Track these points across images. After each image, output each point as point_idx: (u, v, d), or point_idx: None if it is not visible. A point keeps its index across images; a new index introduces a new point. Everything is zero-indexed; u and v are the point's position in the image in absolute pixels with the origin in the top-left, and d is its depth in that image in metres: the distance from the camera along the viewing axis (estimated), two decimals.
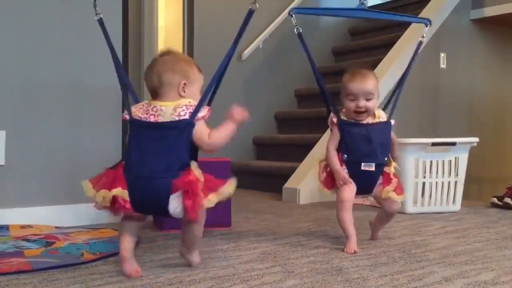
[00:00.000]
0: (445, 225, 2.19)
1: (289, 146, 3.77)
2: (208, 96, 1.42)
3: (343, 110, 1.76)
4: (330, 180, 1.74)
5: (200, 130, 1.31)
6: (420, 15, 3.82)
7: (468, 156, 2.63)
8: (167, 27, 5.57)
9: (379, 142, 1.71)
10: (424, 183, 2.57)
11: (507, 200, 2.71)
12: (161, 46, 5.10)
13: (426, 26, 1.93)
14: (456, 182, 2.60)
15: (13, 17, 2.01)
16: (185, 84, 1.35)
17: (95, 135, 2.18)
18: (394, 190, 1.71)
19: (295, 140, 3.74)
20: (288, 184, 3.05)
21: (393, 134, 1.79)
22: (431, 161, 2.56)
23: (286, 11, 4.23)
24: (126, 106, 1.37)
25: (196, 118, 1.31)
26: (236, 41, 1.50)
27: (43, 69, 2.07)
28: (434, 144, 2.53)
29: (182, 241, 1.41)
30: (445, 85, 3.98)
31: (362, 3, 1.99)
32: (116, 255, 1.54)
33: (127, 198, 1.28)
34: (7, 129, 1.99)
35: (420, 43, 1.92)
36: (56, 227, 1.95)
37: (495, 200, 2.78)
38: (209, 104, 1.46)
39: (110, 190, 1.28)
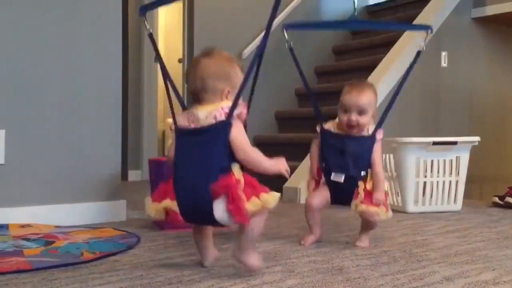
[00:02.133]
0: (446, 225, 2.18)
1: (289, 146, 3.76)
2: (242, 92, 1.31)
3: (337, 120, 1.78)
4: (316, 182, 1.80)
5: (238, 131, 1.27)
6: (421, 14, 3.82)
7: (470, 155, 2.62)
8: (167, 26, 5.58)
9: (353, 155, 1.70)
10: (425, 183, 2.56)
11: (509, 199, 2.70)
12: (161, 46, 5.10)
13: (427, 33, 1.82)
14: (457, 181, 2.60)
15: (13, 16, 2.01)
16: (229, 91, 1.32)
17: (94, 135, 2.18)
18: (364, 202, 1.67)
19: (295, 140, 3.73)
20: (289, 184, 3.04)
21: (376, 150, 1.71)
22: (432, 161, 2.56)
23: (287, 9, 4.23)
24: (172, 115, 1.35)
25: (232, 117, 1.26)
26: (266, 34, 1.45)
27: (43, 69, 2.06)
28: (435, 143, 2.53)
29: (236, 241, 1.32)
30: (447, 84, 3.97)
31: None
32: (116, 254, 1.54)
33: (177, 209, 1.28)
34: (7, 128, 1.99)
35: (419, 53, 1.81)
36: (56, 226, 1.94)
37: (497, 199, 2.77)
38: (249, 102, 1.42)
39: (160, 202, 1.29)
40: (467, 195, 2.74)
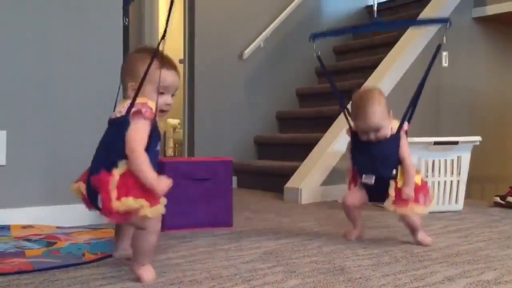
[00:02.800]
0: (448, 225, 2.18)
1: (290, 146, 3.77)
2: (140, 89, 1.29)
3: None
4: (353, 181, 1.85)
5: (133, 128, 1.26)
6: (421, 14, 3.81)
7: (471, 155, 2.62)
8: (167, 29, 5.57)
9: (380, 157, 1.73)
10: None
11: (510, 199, 2.70)
12: (161, 47, 5.10)
13: (447, 27, 1.82)
14: (458, 181, 2.59)
15: (14, 18, 2.01)
16: (132, 85, 1.33)
17: (96, 136, 2.17)
18: (395, 203, 1.69)
19: (296, 140, 3.74)
20: (290, 184, 3.04)
21: (403, 145, 1.73)
22: (434, 160, 2.56)
23: (288, 9, 4.23)
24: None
25: (128, 114, 1.27)
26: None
27: (44, 71, 2.06)
28: (436, 143, 2.52)
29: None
30: (448, 84, 3.97)
31: (380, 16, 2.04)
32: None
33: (84, 191, 1.34)
34: (8, 129, 1.99)
35: (439, 46, 1.82)
36: (58, 227, 1.95)
37: (498, 199, 2.77)
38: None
39: (76, 183, 1.39)
40: (468, 195, 2.74)
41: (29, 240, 1.69)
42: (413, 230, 1.78)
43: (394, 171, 1.72)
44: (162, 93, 1.32)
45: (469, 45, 4.18)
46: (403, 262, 1.50)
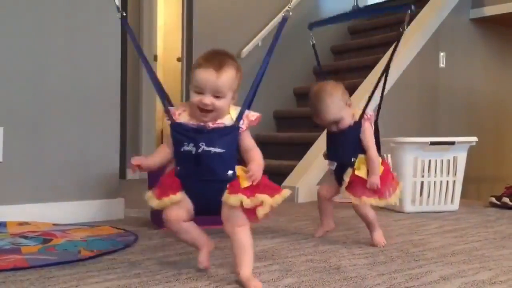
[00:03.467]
0: (443, 224, 2.19)
1: (288, 145, 3.77)
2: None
3: None
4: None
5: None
6: (419, 15, 3.82)
7: (467, 156, 2.63)
8: (166, 26, 5.57)
9: (342, 143, 1.76)
10: (422, 182, 2.56)
11: (505, 199, 2.71)
12: (160, 45, 5.10)
13: (408, 14, 1.83)
14: (454, 181, 2.60)
15: (12, 15, 2.01)
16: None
17: (93, 133, 2.18)
18: (348, 190, 1.70)
19: (294, 139, 3.74)
20: (287, 183, 3.04)
21: (365, 134, 1.72)
22: (430, 160, 2.56)
23: (286, 8, 4.23)
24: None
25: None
26: (269, 52, 1.45)
27: (42, 67, 2.06)
28: (433, 143, 2.53)
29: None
30: (445, 85, 3.98)
31: (357, 6, 2.08)
32: (113, 253, 1.54)
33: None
34: (5, 126, 1.99)
35: (401, 33, 1.85)
36: (54, 224, 1.94)
37: (493, 199, 2.78)
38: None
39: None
40: (464, 195, 2.75)
41: (25, 237, 1.69)
42: (368, 226, 1.77)
43: (352, 159, 1.72)
44: (200, 93, 1.28)
45: (466, 46, 4.19)
46: (399, 262, 1.51)
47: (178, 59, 3.80)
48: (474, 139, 2.59)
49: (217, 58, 1.30)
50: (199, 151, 1.27)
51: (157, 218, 2.01)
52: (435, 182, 2.58)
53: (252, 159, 1.32)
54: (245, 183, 1.27)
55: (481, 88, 4.36)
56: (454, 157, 2.60)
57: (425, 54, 3.71)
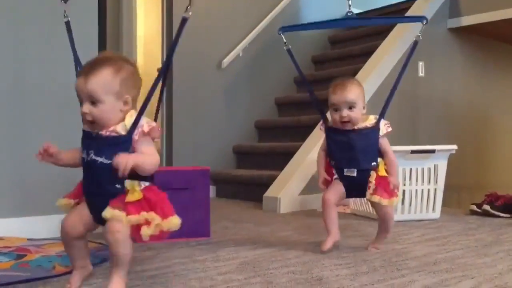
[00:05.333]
0: (425, 233, 2.19)
1: (269, 155, 3.75)
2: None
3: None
4: (327, 182, 1.84)
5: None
6: (398, 24, 3.86)
7: (447, 164, 2.64)
8: (146, 36, 5.53)
9: (361, 148, 1.74)
10: (404, 191, 2.57)
11: (486, 207, 2.73)
12: (140, 56, 5.05)
13: (423, 24, 1.83)
14: (435, 189, 2.61)
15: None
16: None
17: (70, 142, 2.12)
18: (376, 193, 1.71)
19: (275, 149, 3.72)
20: (269, 193, 3.02)
21: (383, 140, 1.77)
22: (411, 169, 2.57)
23: (267, 19, 4.24)
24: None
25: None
26: (168, 56, 1.39)
27: (20, 70, 2.01)
28: (413, 152, 2.54)
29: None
30: (424, 94, 4.02)
31: (351, 12, 2.05)
32: None
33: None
34: None
35: (416, 43, 1.85)
36: (28, 239, 1.88)
37: (474, 207, 2.79)
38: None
39: None
40: (445, 203, 2.76)
41: None
42: (385, 228, 1.80)
43: (373, 163, 1.74)
44: (81, 103, 1.21)
45: (445, 55, 4.25)
46: (381, 271, 1.49)
47: (158, 70, 3.77)
48: (454, 147, 2.61)
49: (89, 64, 1.22)
50: (88, 159, 1.21)
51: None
52: (416, 190, 2.58)
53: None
54: (130, 197, 1.18)
55: (460, 96, 4.41)
56: (434, 165, 2.60)
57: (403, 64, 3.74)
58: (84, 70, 1.21)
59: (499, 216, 2.67)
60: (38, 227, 2.00)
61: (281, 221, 2.56)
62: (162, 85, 1.27)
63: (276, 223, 2.48)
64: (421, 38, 1.84)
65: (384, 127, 1.77)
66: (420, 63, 3.94)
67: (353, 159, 1.74)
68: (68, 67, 2.13)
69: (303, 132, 3.40)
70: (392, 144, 2.72)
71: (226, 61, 3.97)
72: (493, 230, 2.26)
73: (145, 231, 1.17)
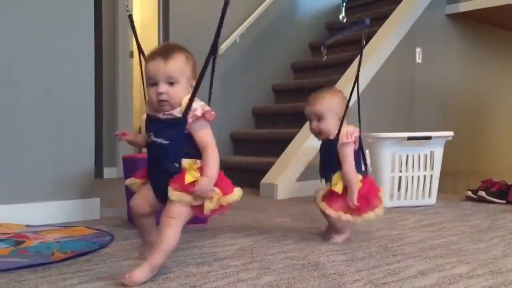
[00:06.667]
0: (421, 219, 2.21)
1: (266, 142, 3.76)
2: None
3: None
4: None
5: None
6: (395, 11, 3.85)
7: (443, 150, 2.65)
8: (142, 23, 5.50)
9: (325, 157, 1.75)
10: (400, 177, 2.58)
11: (481, 193, 2.75)
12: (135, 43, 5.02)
13: (365, 26, 1.76)
14: (431, 176, 2.63)
15: None
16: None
17: (66, 132, 2.13)
18: (325, 201, 1.68)
19: (272, 135, 3.73)
20: (266, 180, 3.03)
21: (340, 149, 1.67)
22: (407, 155, 2.58)
23: (264, 5, 4.21)
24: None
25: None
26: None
27: (14, 66, 2.00)
28: (410, 138, 2.55)
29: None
30: (421, 80, 4.02)
31: (353, 14, 2.01)
32: (88, 254, 1.50)
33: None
34: None
35: (362, 47, 1.81)
36: (27, 226, 1.89)
37: (470, 193, 2.81)
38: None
39: None
40: (441, 189, 2.78)
41: None
42: (334, 230, 1.75)
43: (331, 174, 1.69)
44: (154, 84, 1.30)
45: (442, 41, 4.24)
46: (377, 257, 1.50)
47: None
48: (450, 133, 2.62)
49: (163, 49, 1.34)
50: (150, 140, 1.32)
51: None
52: (412, 176, 2.60)
53: (205, 163, 1.29)
54: (189, 178, 1.26)
55: (457, 82, 4.42)
56: (431, 151, 2.62)
57: (402, 49, 3.74)
58: (161, 54, 1.30)
59: (494, 202, 2.70)
60: (36, 214, 2.00)
61: (278, 207, 2.58)
62: (212, 71, 1.35)
63: (273, 209, 2.50)
64: (364, 44, 1.81)
65: (345, 135, 1.67)
66: (418, 49, 3.93)
67: (321, 167, 1.77)
68: (63, 59, 2.13)
69: (300, 119, 3.38)
70: (388, 130, 2.75)
71: (223, 47, 3.95)
72: (488, 216, 2.29)
73: (208, 205, 1.28)
